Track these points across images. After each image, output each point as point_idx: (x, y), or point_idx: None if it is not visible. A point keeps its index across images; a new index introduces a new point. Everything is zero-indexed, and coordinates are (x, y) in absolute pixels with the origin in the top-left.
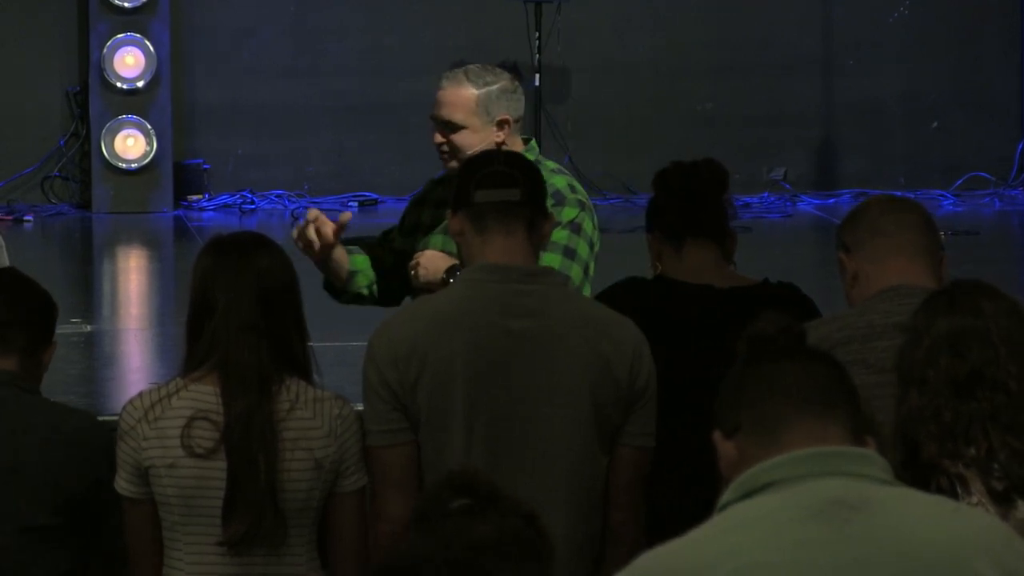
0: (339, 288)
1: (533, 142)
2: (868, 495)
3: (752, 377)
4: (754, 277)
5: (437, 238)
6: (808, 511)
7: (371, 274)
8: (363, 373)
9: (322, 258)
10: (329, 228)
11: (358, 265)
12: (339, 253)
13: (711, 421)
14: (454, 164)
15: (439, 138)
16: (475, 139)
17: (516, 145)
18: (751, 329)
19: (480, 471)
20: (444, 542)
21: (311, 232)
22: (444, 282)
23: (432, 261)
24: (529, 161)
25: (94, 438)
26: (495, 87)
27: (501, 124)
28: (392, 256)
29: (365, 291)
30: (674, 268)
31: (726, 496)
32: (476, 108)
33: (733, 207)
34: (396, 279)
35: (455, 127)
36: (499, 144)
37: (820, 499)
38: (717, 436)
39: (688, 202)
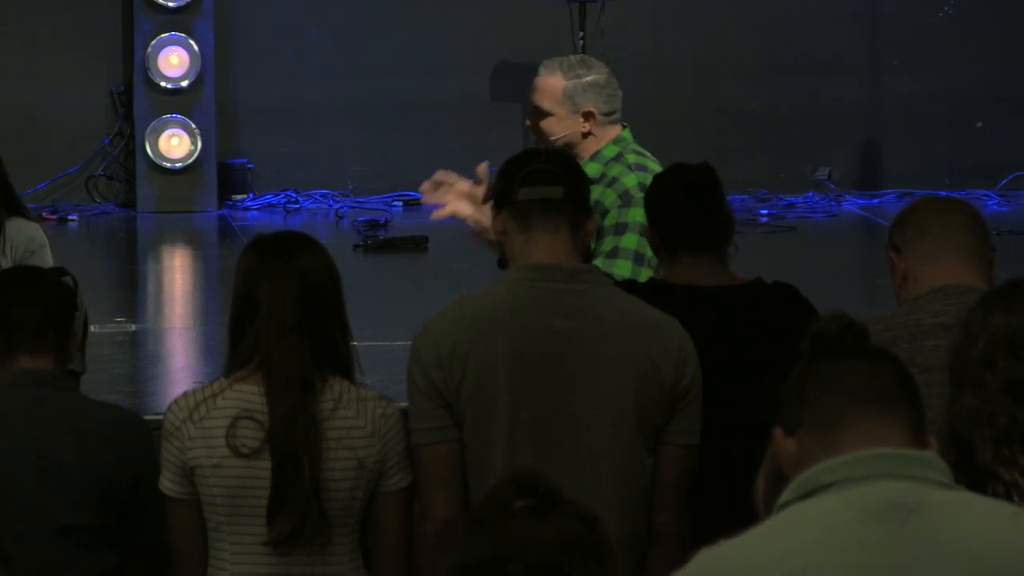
0: None
1: (626, 132)
2: (925, 498)
3: (814, 375)
4: (746, 276)
5: None
6: (866, 513)
7: None
8: (407, 372)
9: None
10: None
11: None
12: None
13: (730, 421)
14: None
15: (529, 122)
16: (560, 127)
17: (607, 135)
18: (814, 327)
19: (542, 473)
20: (507, 543)
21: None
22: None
23: None
24: (572, 158)
25: (132, 435)
26: (585, 79)
27: (587, 116)
28: None
29: None
30: (671, 271)
31: (785, 495)
32: (562, 97)
33: (729, 208)
34: None
35: (543, 113)
36: (585, 134)
37: (878, 501)
38: (778, 433)
39: (683, 205)
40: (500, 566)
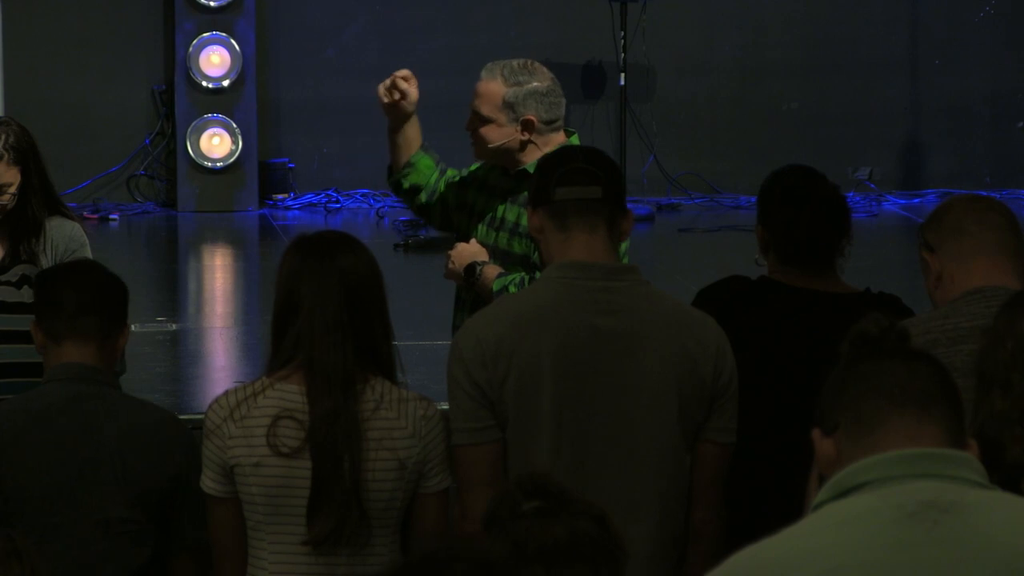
0: (393, 167)
1: (573, 138)
2: (960, 498)
3: (853, 376)
4: (855, 286)
5: (480, 228)
6: (900, 513)
7: (424, 177)
8: (448, 372)
9: (397, 117)
10: (414, 91)
11: (420, 163)
12: (413, 131)
13: (801, 422)
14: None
15: (468, 127)
16: (498, 134)
17: (550, 142)
18: (855, 329)
19: (551, 474)
20: (516, 543)
21: (402, 85)
22: (464, 277)
23: (460, 256)
24: (609, 157)
25: (170, 435)
26: (526, 87)
27: (526, 124)
28: (442, 184)
29: (406, 185)
30: (776, 270)
31: (821, 495)
32: (502, 104)
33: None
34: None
35: (483, 119)
36: (523, 143)
37: (912, 501)
38: (816, 434)
39: (803, 215)
40: (512, 565)
